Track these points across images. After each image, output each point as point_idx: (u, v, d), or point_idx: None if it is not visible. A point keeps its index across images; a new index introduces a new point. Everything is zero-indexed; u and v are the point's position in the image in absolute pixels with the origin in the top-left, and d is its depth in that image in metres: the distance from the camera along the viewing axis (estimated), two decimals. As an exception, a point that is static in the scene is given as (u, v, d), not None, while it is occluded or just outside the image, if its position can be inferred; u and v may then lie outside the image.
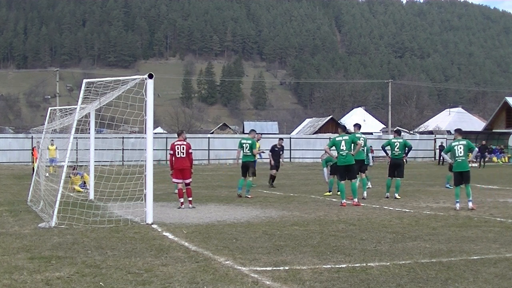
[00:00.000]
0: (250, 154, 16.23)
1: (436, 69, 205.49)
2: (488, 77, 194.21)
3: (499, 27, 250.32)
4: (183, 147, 13.66)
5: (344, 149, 13.93)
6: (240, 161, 16.47)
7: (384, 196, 15.85)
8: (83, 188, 18.22)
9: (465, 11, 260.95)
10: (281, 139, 22.88)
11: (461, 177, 13.33)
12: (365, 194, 15.71)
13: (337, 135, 14.64)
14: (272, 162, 21.21)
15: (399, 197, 15.53)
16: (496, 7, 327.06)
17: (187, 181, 13.69)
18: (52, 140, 26.90)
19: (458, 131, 14.02)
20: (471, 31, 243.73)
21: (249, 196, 16.02)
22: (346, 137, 14.15)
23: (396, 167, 15.76)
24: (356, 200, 13.96)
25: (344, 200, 13.97)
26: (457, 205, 13.11)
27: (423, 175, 28.51)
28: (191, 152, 13.86)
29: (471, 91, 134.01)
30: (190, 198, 13.65)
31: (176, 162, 13.72)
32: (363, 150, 15.88)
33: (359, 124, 16.81)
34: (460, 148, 13.31)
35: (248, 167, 16.20)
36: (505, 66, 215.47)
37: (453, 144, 13.57)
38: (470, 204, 13.03)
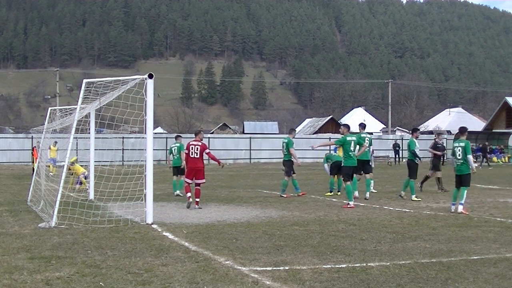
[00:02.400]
0: (287, 153, 16.30)
1: (436, 69, 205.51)
2: (488, 77, 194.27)
3: (499, 27, 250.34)
4: (197, 148, 13.50)
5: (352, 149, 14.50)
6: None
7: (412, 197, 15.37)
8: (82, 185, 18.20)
9: (465, 11, 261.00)
10: (440, 133, 21.40)
11: (460, 180, 12.74)
12: (367, 195, 15.65)
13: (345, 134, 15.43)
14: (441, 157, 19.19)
15: (405, 197, 15.49)
16: (496, 7, 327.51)
17: (198, 181, 13.53)
18: (55, 142, 26.98)
19: (461, 130, 13.22)
20: (471, 31, 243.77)
21: (284, 196, 16.06)
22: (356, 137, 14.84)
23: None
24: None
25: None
26: (453, 207, 12.71)
27: (423, 175, 28.48)
28: (209, 152, 13.73)
29: (471, 91, 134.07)
30: (197, 199, 13.48)
31: (189, 162, 13.61)
32: (368, 150, 15.81)
33: (364, 124, 16.86)
34: (459, 150, 12.63)
35: (284, 166, 16.38)
36: (505, 66, 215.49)
37: (454, 144, 12.99)
38: (460, 208, 12.42)
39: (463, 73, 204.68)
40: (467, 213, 12.26)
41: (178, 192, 16.75)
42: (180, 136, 18.54)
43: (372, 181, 17.83)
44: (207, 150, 13.67)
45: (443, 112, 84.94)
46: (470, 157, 12.63)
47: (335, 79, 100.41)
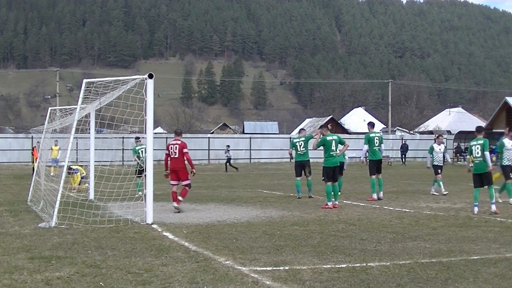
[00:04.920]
0: (305, 152, 15.92)
1: (436, 69, 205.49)
2: (488, 77, 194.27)
3: (499, 27, 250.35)
4: (176, 147, 12.85)
5: (377, 145, 15.56)
6: (293, 160, 16.43)
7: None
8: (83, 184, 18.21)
9: (465, 11, 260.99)
10: None
11: (481, 179, 12.46)
12: (381, 194, 15.53)
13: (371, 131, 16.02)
14: None
15: (500, 200, 14.30)
16: (496, 7, 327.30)
17: (184, 182, 12.91)
18: (56, 140, 27.04)
19: (477, 129, 13.08)
20: (471, 31, 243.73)
21: (312, 196, 15.83)
22: (379, 134, 16.05)
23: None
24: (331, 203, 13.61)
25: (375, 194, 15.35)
26: (475, 209, 12.38)
27: (423, 175, 28.49)
28: (186, 152, 12.86)
29: (471, 91, 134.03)
30: (180, 198, 12.83)
31: (170, 163, 13.00)
32: (379, 149, 15.65)
33: (372, 123, 16.79)
34: (477, 148, 12.41)
35: (304, 166, 15.93)
36: (505, 66, 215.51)
37: (471, 143, 12.68)
38: (493, 207, 12.29)
39: (463, 73, 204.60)
40: (498, 212, 12.21)
41: (140, 193, 15.99)
42: (139, 138, 18.07)
43: (441, 182, 17.25)
44: (185, 150, 12.88)
45: (443, 112, 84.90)
46: (487, 153, 12.35)
47: (335, 79, 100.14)
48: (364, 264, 7.11)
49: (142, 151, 17.19)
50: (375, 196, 15.42)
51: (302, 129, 17.90)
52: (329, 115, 72.96)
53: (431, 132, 65.04)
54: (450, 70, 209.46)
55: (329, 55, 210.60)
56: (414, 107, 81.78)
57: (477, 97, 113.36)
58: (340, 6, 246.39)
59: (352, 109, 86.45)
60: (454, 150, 47.59)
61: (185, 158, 12.92)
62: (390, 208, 13.50)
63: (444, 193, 16.83)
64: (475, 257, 7.57)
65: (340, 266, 7.04)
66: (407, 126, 72.56)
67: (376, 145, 15.59)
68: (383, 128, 71.85)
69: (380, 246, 8.45)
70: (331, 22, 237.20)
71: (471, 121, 71.67)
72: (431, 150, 17.52)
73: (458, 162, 45.71)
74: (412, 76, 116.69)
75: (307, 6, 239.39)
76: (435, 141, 17.82)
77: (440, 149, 17.42)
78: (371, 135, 15.73)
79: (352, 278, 6.39)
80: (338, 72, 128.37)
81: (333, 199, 13.63)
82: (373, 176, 15.61)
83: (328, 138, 13.81)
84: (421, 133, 67.43)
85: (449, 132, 64.63)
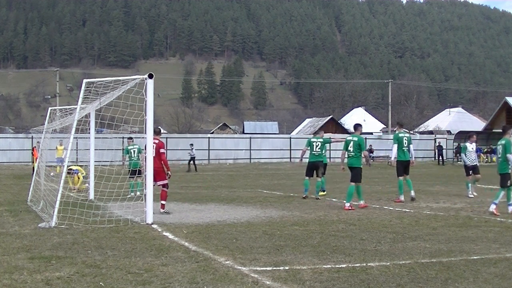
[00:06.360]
0: (320, 154, 15.67)
1: (436, 69, 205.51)
2: (488, 77, 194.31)
3: (499, 27, 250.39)
4: (153, 146, 12.17)
5: (405, 145, 14.96)
6: (306, 160, 16.16)
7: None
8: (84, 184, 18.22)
9: (465, 11, 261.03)
10: None
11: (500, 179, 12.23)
12: (412, 193, 15.17)
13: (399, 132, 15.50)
14: None
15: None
16: (496, 7, 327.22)
17: (160, 183, 12.42)
18: (61, 140, 27.16)
19: (503, 128, 12.63)
20: (471, 31, 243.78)
21: (319, 198, 15.57)
22: (408, 134, 15.39)
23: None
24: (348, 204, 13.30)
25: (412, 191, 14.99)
26: (492, 206, 12.24)
27: (423, 175, 28.51)
28: (163, 152, 12.50)
29: (471, 91, 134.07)
30: (163, 202, 12.55)
31: None
32: (407, 149, 15.06)
33: (401, 123, 16.48)
34: (500, 149, 12.12)
35: (317, 167, 15.63)
36: (505, 66, 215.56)
37: (498, 143, 12.43)
38: (492, 207, 12.11)
39: (463, 73, 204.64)
40: (498, 213, 11.96)
41: (132, 194, 15.10)
42: (132, 137, 18.25)
43: (470, 184, 16.64)
44: (162, 150, 12.50)
45: (443, 112, 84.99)
46: (510, 156, 11.92)
47: (335, 79, 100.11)
48: (364, 264, 7.11)
49: (133, 151, 17.23)
50: (402, 197, 14.90)
51: (321, 130, 17.74)
52: (329, 115, 73.00)
53: (431, 132, 65.11)
54: (450, 70, 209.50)
55: (329, 55, 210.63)
56: (414, 107, 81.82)
57: (477, 97, 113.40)
58: (340, 6, 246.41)
59: (352, 109, 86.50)
60: (454, 150, 47.61)
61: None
62: (390, 208, 13.50)
63: (470, 195, 16.33)
64: (475, 257, 7.57)
65: (340, 266, 7.03)
66: (407, 126, 72.45)
67: (405, 145, 15.04)
68: (383, 128, 71.92)
69: (380, 246, 8.45)
70: (331, 22, 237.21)
71: (471, 121, 71.77)
72: (464, 149, 16.90)
73: (458, 162, 45.69)
74: (412, 76, 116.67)
75: (307, 6, 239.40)
76: (466, 140, 17.21)
77: (473, 148, 16.83)
78: (400, 134, 15.18)
79: (352, 278, 6.39)
80: (338, 72, 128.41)
81: (357, 199, 13.52)
82: (401, 178, 15.03)
83: (348, 138, 13.88)
84: (421, 133, 67.48)
85: (449, 132, 64.67)
